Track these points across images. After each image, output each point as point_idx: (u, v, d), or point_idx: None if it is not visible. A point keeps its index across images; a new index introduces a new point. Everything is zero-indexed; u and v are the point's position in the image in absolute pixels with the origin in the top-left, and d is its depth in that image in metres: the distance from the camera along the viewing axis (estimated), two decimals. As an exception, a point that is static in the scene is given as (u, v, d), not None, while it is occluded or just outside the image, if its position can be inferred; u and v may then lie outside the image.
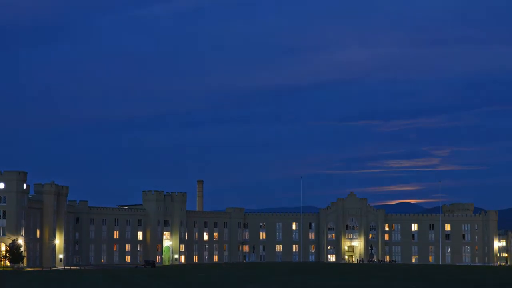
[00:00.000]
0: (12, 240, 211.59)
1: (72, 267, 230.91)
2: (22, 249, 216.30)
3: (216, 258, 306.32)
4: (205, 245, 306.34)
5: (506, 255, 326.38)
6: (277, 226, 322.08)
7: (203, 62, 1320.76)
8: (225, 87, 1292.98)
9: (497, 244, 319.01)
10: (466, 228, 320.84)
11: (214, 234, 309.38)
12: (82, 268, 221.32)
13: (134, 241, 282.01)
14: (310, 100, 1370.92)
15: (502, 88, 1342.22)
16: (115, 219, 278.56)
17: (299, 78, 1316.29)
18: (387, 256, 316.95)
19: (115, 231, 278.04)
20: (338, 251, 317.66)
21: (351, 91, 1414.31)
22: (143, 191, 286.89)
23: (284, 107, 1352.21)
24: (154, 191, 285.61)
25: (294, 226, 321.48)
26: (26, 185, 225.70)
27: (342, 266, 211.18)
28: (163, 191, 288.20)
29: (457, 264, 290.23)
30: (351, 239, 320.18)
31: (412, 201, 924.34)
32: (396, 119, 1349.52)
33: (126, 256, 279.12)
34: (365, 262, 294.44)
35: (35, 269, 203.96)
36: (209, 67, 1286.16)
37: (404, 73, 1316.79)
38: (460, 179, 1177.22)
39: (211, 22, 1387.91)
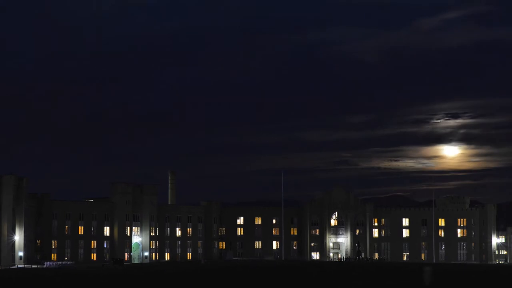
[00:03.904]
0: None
1: (33, 266, 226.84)
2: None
3: (189, 255, 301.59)
4: (178, 242, 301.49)
5: (505, 252, 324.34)
6: (256, 221, 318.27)
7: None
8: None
9: (496, 240, 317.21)
10: (461, 223, 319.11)
11: (188, 229, 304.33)
12: (44, 267, 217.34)
13: (100, 237, 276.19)
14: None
15: None
16: (80, 213, 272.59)
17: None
18: (376, 254, 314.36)
19: (79, 227, 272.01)
20: (322, 248, 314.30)
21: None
22: (111, 183, 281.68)
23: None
24: (123, 182, 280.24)
25: (274, 221, 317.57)
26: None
27: (326, 265, 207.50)
28: (132, 183, 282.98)
29: (452, 262, 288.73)
30: (337, 235, 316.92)
31: (403, 194, 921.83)
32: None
33: (92, 254, 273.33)
34: (352, 260, 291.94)
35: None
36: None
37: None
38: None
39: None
